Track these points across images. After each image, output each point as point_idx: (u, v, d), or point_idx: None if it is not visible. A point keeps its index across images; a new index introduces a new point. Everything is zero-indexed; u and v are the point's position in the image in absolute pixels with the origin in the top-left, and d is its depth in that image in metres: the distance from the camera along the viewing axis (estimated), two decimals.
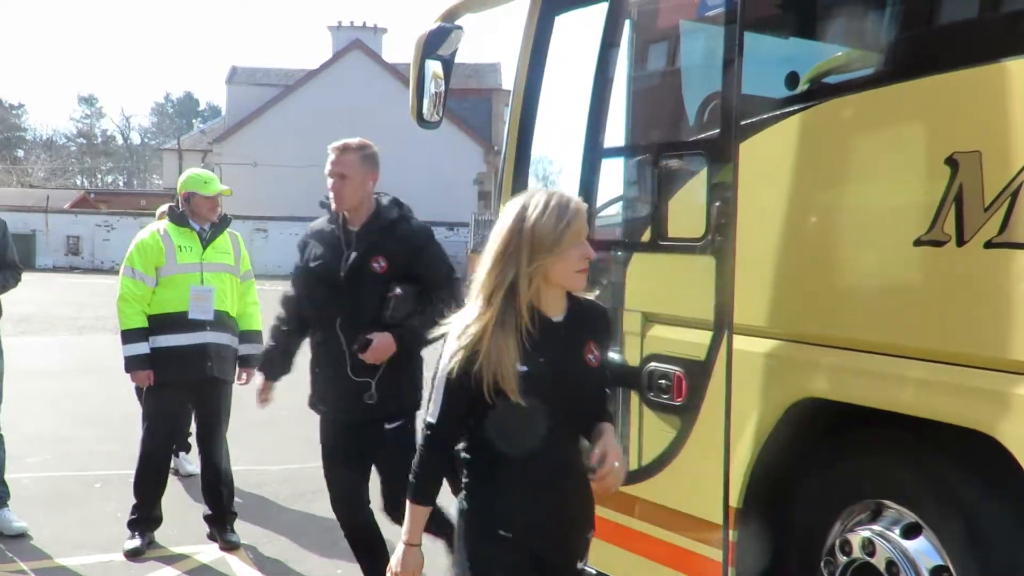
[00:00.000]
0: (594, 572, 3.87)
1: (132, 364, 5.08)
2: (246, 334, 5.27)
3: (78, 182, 65.72)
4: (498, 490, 2.56)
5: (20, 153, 67.04)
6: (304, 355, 4.29)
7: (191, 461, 6.39)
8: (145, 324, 5.04)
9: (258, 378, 4.47)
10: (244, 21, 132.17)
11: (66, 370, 10.99)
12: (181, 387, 5.12)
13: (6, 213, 19.24)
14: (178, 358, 5.02)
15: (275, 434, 8.02)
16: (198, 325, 5.02)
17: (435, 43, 4.47)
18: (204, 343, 5.02)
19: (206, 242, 5.15)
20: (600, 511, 3.80)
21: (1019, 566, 2.60)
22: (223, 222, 5.26)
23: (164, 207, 6.49)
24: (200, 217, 5.18)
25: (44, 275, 27.78)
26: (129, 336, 5.06)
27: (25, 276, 5.57)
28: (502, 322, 2.41)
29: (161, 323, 5.04)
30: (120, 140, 78.13)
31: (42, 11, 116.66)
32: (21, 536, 5.17)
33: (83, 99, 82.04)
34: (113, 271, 6.49)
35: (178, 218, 5.18)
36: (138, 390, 6.39)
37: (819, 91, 3.12)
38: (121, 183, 74.49)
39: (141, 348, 5.04)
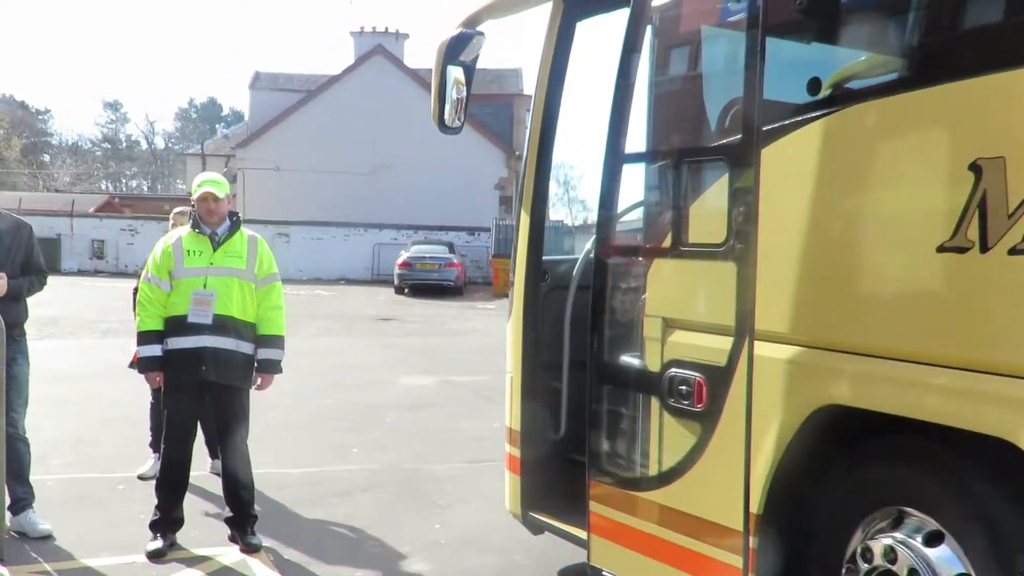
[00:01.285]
0: None
1: (143, 365, 5.21)
2: (264, 338, 5.26)
3: (103, 187, 66.28)
4: None
5: (46, 158, 67.83)
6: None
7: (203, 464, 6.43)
8: (159, 327, 5.13)
9: None
10: (267, 27, 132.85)
11: (90, 373, 11.08)
12: (190, 389, 5.17)
13: (32, 217, 19.41)
14: (177, 361, 5.10)
15: (296, 437, 8.07)
16: (197, 329, 5.05)
17: (456, 49, 4.49)
18: (200, 347, 5.05)
19: (217, 245, 5.18)
20: (619, 515, 3.82)
21: None
22: (235, 224, 5.29)
23: (177, 209, 6.64)
24: (206, 221, 5.22)
25: (69, 279, 28.05)
26: (142, 338, 5.18)
27: (50, 280, 5.63)
28: None
29: (170, 326, 5.13)
30: (144, 145, 78.82)
31: (66, 17, 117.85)
32: (45, 537, 5.21)
33: (108, 104, 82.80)
34: (137, 275, 6.54)
35: (192, 224, 5.25)
36: (153, 398, 6.50)
37: (841, 96, 3.11)
38: (145, 188, 75.17)
39: (152, 350, 5.12)
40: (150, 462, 6.55)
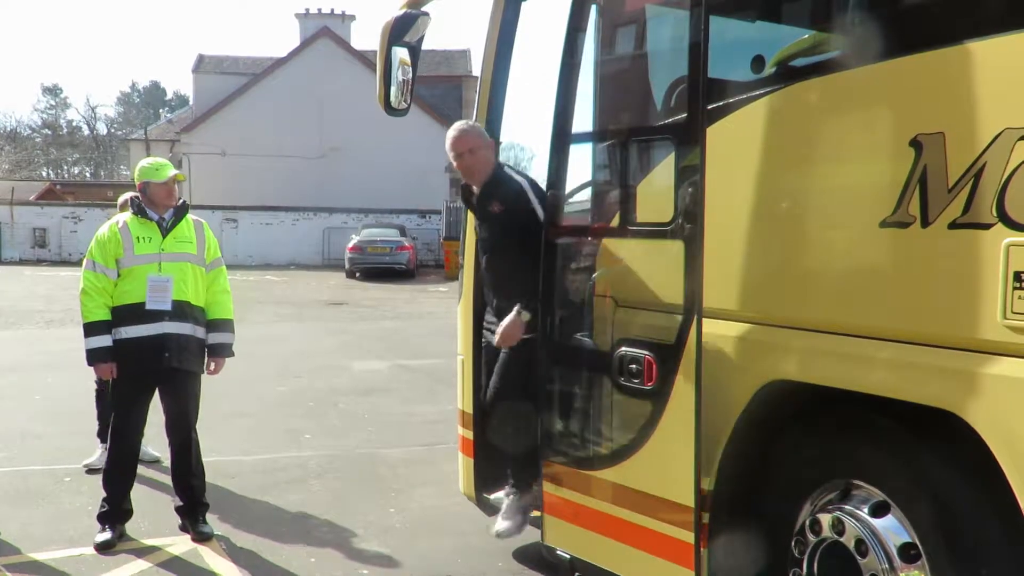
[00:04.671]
0: (568, 556, 3.90)
1: (93, 357, 5.06)
2: (215, 323, 5.21)
3: (44, 174, 64.79)
4: None
5: None
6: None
7: (155, 448, 6.34)
8: (107, 317, 5.01)
9: None
10: (210, 8, 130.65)
11: (34, 365, 10.86)
12: (145, 378, 5.08)
13: None
14: (137, 349, 4.99)
15: (248, 424, 7.99)
16: (156, 316, 4.97)
17: (401, 29, 4.45)
18: (162, 334, 4.98)
19: (166, 231, 5.10)
20: (572, 495, 3.84)
21: (985, 541, 2.64)
22: (182, 209, 5.21)
23: (125, 195, 6.46)
24: (157, 205, 5.12)
25: (11, 268, 27.46)
26: (91, 329, 5.03)
27: None
28: None
29: (122, 315, 5.01)
30: (86, 131, 76.97)
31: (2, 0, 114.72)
32: None
33: (47, 89, 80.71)
34: (81, 263, 6.44)
35: (137, 209, 5.14)
36: (98, 387, 6.40)
37: (785, 74, 3.13)
38: (88, 174, 73.58)
39: (102, 341, 5.00)
40: (97, 452, 6.44)
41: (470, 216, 4.59)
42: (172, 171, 5.15)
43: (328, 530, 5.35)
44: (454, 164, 4.44)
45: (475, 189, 4.48)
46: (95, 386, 6.42)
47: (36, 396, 8.99)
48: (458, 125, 4.44)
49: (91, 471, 6.28)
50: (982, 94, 2.52)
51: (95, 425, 6.52)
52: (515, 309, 4.15)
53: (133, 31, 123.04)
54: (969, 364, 2.54)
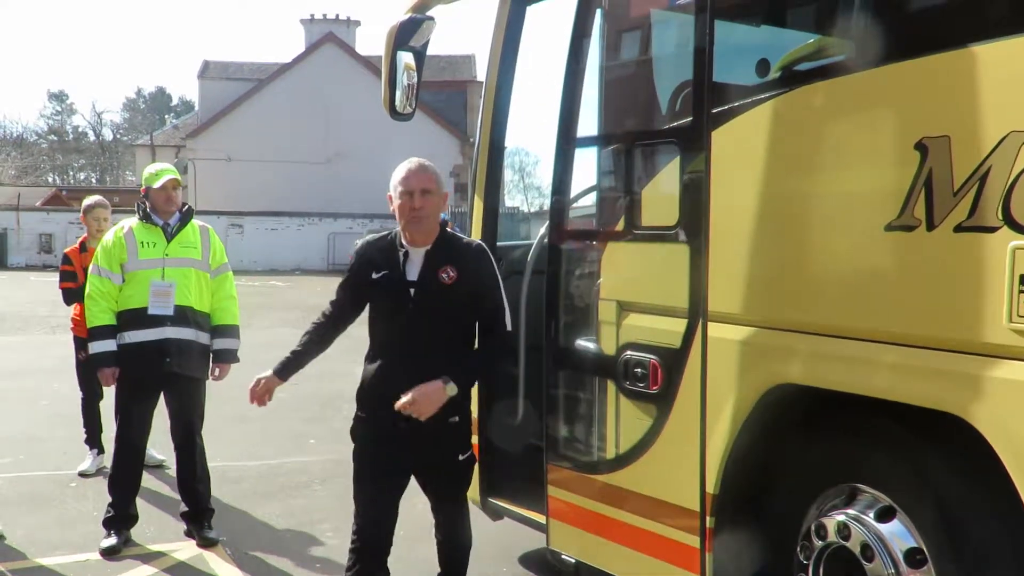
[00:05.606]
0: (573, 561, 3.89)
1: (97, 361, 5.09)
2: (221, 328, 5.22)
3: (50, 179, 64.99)
4: None
5: None
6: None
7: (160, 452, 6.37)
8: (112, 321, 5.03)
9: None
10: (215, 15, 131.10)
11: (40, 369, 10.87)
12: (148, 383, 5.09)
13: None
14: (139, 354, 5.01)
15: (253, 430, 7.99)
16: (158, 321, 4.99)
17: (406, 34, 4.44)
18: (163, 339, 4.99)
19: (171, 236, 5.11)
20: (578, 499, 3.84)
21: (991, 546, 2.63)
22: (187, 214, 5.22)
23: (89, 200, 6.54)
24: (160, 211, 5.13)
25: (16, 274, 27.52)
26: (95, 333, 5.05)
27: None
28: None
29: (126, 320, 5.03)
30: (92, 136, 77.23)
31: (9, 6, 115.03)
32: None
33: (53, 95, 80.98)
34: (59, 270, 6.47)
35: (143, 215, 5.15)
36: (85, 395, 6.43)
37: (790, 78, 3.13)
38: (94, 180, 73.68)
39: (106, 345, 5.02)
40: (89, 459, 6.48)
41: (476, 219, 4.56)
42: (167, 177, 5.13)
43: (333, 535, 5.35)
44: (395, 203, 3.82)
45: (410, 251, 3.80)
46: (81, 393, 6.48)
47: (43, 401, 9.01)
48: (419, 159, 3.88)
49: (85, 476, 6.33)
50: (987, 97, 2.51)
51: (84, 431, 6.56)
52: (442, 379, 3.50)
53: (139, 37, 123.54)
54: (974, 368, 2.53)
